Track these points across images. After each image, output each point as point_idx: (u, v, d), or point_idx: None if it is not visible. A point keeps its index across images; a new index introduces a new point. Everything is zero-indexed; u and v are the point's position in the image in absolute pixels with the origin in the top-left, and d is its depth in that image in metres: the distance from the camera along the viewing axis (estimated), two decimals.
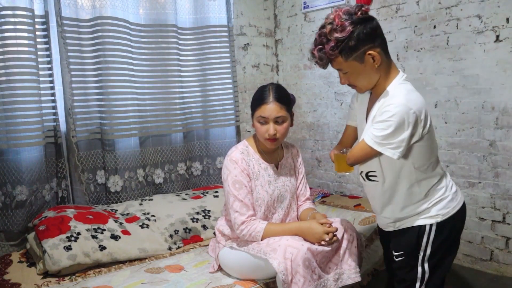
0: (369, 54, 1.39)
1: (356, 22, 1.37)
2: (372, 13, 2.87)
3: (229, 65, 3.16)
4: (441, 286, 1.59)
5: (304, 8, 3.38)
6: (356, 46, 1.37)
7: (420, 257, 1.52)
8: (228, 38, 3.14)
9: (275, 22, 3.65)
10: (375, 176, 1.52)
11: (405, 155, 1.43)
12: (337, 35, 1.36)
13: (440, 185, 1.52)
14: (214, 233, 2.04)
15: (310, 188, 3.12)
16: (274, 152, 1.92)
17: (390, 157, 1.40)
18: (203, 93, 3.09)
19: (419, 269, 1.53)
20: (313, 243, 1.68)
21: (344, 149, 1.59)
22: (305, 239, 1.70)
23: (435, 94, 2.63)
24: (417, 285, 1.54)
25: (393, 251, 1.59)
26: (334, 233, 1.70)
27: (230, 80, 3.17)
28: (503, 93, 2.35)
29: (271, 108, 1.74)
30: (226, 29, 3.13)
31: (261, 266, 1.73)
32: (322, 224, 1.71)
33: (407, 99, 1.37)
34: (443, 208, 1.50)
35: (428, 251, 1.51)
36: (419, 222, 1.51)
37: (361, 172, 1.58)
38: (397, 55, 2.79)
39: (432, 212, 1.50)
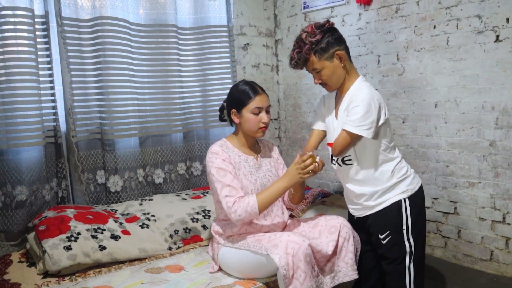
0: (337, 54, 1.73)
1: (325, 31, 1.73)
2: (372, 13, 2.90)
3: (229, 65, 3.16)
4: (423, 258, 1.82)
5: (304, 8, 3.38)
6: (326, 48, 1.72)
7: (405, 232, 1.75)
8: (228, 38, 3.14)
9: (275, 22, 3.65)
10: (350, 160, 1.80)
11: (374, 138, 1.72)
12: (311, 39, 1.72)
13: (402, 165, 1.81)
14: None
15: (310, 188, 3.13)
16: (252, 147, 1.99)
17: (361, 142, 1.74)
18: (203, 93, 3.09)
19: (406, 243, 1.75)
20: (302, 181, 1.79)
21: (310, 152, 1.77)
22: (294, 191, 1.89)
23: (435, 94, 2.63)
24: (407, 260, 1.75)
25: (379, 235, 1.78)
26: (311, 159, 1.75)
27: (230, 80, 3.17)
28: (503, 93, 2.35)
29: (264, 98, 1.89)
30: (226, 29, 3.13)
31: (262, 263, 1.74)
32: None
33: (370, 91, 1.71)
34: (409, 184, 1.78)
35: (410, 224, 1.75)
36: (394, 198, 1.76)
37: (337, 159, 1.84)
38: (397, 55, 2.79)
39: (402, 188, 1.77)
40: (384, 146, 1.77)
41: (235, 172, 1.85)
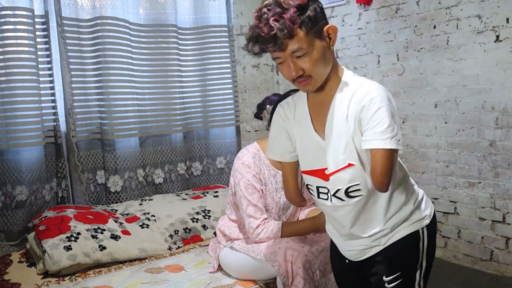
0: (329, 29, 1.15)
1: None
2: (372, 13, 2.89)
3: (229, 65, 3.16)
4: None
5: None
6: (315, 18, 1.12)
7: (418, 274, 1.29)
8: (228, 38, 3.14)
9: None
10: (359, 190, 1.21)
11: None
12: (293, 2, 1.09)
13: (413, 182, 1.34)
14: (215, 233, 2.04)
15: None
16: None
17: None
18: (203, 93, 3.09)
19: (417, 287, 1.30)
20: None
21: None
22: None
23: (435, 94, 2.63)
24: None
25: (384, 277, 1.28)
26: None
27: (230, 80, 3.17)
28: (503, 93, 2.35)
29: None
30: (226, 29, 3.13)
31: (261, 268, 1.73)
32: None
33: (376, 83, 1.19)
34: (425, 208, 1.31)
35: (424, 264, 1.29)
36: (410, 228, 1.27)
37: (337, 191, 1.23)
38: (397, 55, 2.79)
39: (418, 215, 1.29)
40: (398, 161, 1.25)
41: (262, 190, 1.81)
